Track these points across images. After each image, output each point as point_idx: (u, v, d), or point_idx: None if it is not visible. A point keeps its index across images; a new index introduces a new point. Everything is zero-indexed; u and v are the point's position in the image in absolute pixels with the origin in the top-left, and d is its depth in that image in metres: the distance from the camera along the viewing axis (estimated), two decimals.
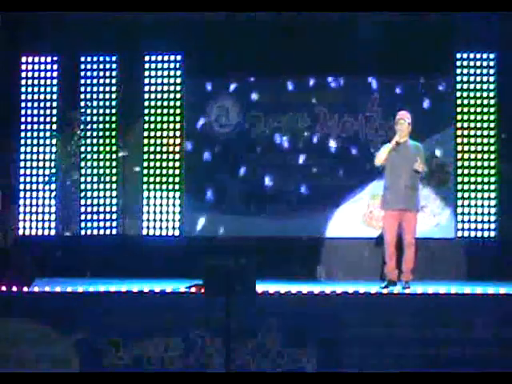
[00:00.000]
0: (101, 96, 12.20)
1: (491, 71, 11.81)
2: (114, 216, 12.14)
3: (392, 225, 10.01)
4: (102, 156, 12.15)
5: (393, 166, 10.09)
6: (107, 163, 12.16)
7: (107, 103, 12.20)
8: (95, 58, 12.20)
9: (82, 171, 12.15)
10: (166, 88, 12.16)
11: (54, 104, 12.25)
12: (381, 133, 11.59)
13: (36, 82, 12.27)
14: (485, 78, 11.82)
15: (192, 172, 12.15)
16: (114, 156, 12.16)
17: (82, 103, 12.17)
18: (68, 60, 12.19)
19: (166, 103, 12.15)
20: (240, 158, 12.12)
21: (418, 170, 10.02)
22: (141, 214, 12.09)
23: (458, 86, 11.85)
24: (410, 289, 9.75)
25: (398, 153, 10.08)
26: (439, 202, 11.87)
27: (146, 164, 12.11)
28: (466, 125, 11.80)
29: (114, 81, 12.20)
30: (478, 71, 11.83)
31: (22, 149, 12.23)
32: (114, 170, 12.16)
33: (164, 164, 12.09)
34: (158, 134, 12.12)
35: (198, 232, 12.07)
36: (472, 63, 11.84)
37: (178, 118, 12.14)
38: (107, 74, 12.20)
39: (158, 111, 12.15)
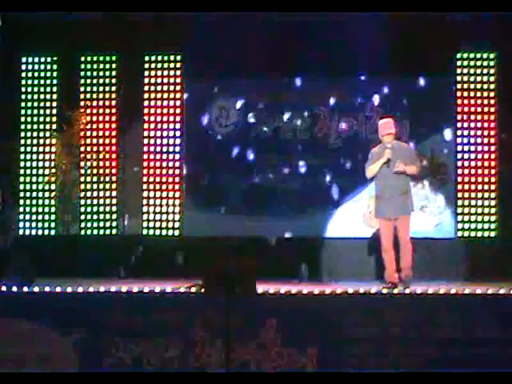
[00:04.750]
0: (101, 96, 12.21)
1: (491, 71, 11.82)
2: (114, 216, 12.15)
3: (388, 231, 9.98)
4: (101, 156, 12.16)
5: (380, 175, 9.99)
6: (107, 163, 12.16)
7: (107, 103, 12.21)
8: (95, 58, 12.21)
9: (82, 171, 12.16)
10: (165, 88, 12.17)
11: (54, 104, 12.26)
12: None
13: (36, 81, 12.29)
14: (485, 78, 11.83)
15: (192, 172, 12.15)
16: (113, 156, 12.17)
17: (82, 103, 12.17)
18: (68, 60, 12.20)
19: (165, 103, 12.16)
20: (240, 157, 12.12)
21: (397, 171, 9.94)
22: (141, 214, 12.09)
23: (459, 86, 11.86)
24: (410, 289, 9.75)
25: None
26: (439, 201, 11.88)
27: (145, 164, 12.12)
28: (466, 125, 11.81)
29: (114, 81, 12.21)
30: (478, 71, 11.84)
31: (22, 149, 12.25)
32: (114, 170, 12.16)
33: (164, 164, 12.09)
34: (158, 133, 12.13)
35: (198, 232, 12.06)
36: (472, 63, 11.85)
37: (177, 118, 12.15)
38: (107, 73, 12.22)
39: (158, 111, 12.16)
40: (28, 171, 12.23)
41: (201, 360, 8.30)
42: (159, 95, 12.16)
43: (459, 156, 11.82)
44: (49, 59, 12.29)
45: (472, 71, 11.85)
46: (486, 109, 11.79)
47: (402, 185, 9.96)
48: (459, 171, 11.81)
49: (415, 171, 10.08)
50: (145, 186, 12.12)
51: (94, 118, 12.19)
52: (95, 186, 12.16)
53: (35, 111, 12.27)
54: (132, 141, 12.19)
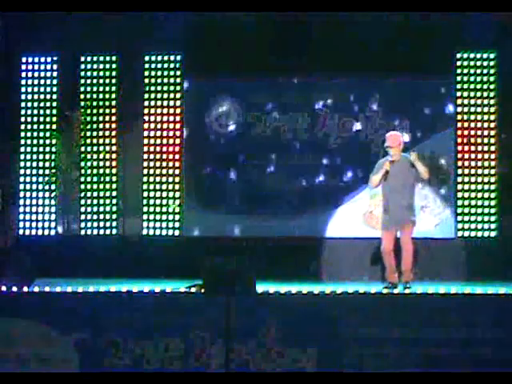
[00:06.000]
0: (101, 96, 12.20)
1: (491, 71, 11.82)
2: (114, 216, 12.15)
3: (389, 239, 9.97)
4: (101, 156, 12.16)
5: (388, 187, 9.96)
6: (107, 163, 12.16)
7: (107, 103, 12.20)
8: (95, 58, 12.21)
9: (82, 171, 12.16)
10: (165, 88, 12.17)
11: (54, 104, 12.26)
12: (381, 132, 11.57)
13: (36, 81, 12.28)
14: (485, 78, 11.83)
15: (192, 172, 12.15)
16: (113, 156, 12.16)
17: (82, 103, 12.17)
18: (68, 60, 12.20)
19: (165, 103, 12.15)
20: (240, 157, 12.12)
21: (424, 178, 9.98)
22: (141, 214, 12.09)
23: (458, 86, 11.86)
24: (410, 289, 9.75)
25: (391, 173, 9.91)
26: (439, 201, 11.88)
27: (145, 164, 12.12)
28: (466, 125, 11.81)
29: (114, 81, 12.21)
30: (478, 71, 11.84)
31: (22, 149, 12.25)
32: (114, 170, 12.16)
33: (164, 164, 12.09)
34: (158, 133, 12.13)
35: (197, 232, 12.07)
36: (472, 63, 11.86)
37: (177, 118, 12.15)
38: (107, 73, 12.21)
39: (158, 111, 12.15)
40: (28, 171, 12.23)
41: (201, 360, 8.29)
42: (159, 95, 12.16)
43: (459, 156, 11.83)
44: (49, 59, 12.29)
45: (472, 71, 11.86)
46: (485, 109, 11.79)
47: (407, 196, 9.90)
48: (459, 171, 11.81)
49: (425, 173, 9.94)
50: (145, 186, 12.12)
51: (94, 118, 12.19)
52: (95, 186, 12.16)
53: (35, 111, 12.27)
54: (132, 141, 12.19)
